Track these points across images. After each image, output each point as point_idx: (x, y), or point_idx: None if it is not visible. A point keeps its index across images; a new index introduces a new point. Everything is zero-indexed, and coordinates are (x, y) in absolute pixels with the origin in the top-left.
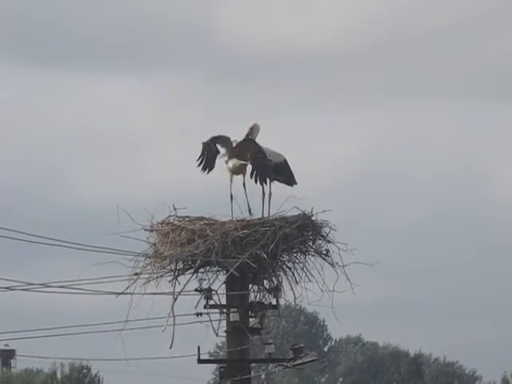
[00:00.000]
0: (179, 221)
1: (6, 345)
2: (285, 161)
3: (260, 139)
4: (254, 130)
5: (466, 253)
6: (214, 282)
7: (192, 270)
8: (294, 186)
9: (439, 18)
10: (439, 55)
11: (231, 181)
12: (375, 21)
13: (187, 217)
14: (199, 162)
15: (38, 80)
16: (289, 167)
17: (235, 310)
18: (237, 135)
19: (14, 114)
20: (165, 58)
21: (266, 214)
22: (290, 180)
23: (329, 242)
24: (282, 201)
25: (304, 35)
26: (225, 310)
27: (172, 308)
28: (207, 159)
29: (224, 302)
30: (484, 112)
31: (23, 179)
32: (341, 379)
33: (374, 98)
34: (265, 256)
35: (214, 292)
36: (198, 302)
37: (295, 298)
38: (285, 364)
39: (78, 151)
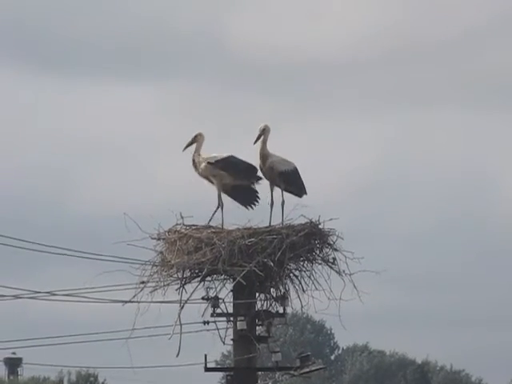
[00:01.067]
0: (186, 229)
1: (13, 353)
2: (295, 169)
3: (269, 147)
4: (265, 132)
5: (472, 260)
6: (220, 290)
7: (199, 279)
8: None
9: (443, 28)
10: (442, 64)
11: (219, 189)
12: (378, 32)
13: (194, 225)
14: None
15: (44, 87)
16: (299, 176)
17: (242, 318)
18: (246, 140)
19: (19, 119)
20: (175, 66)
21: (274, 222)
22: (299, 191)
23: (336, 250)
24: (289, 209)
25: (309, 44)
26: (232, 319)
27: (179, 316)
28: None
29: (231, 310)
30: (488, 120)
31: (29, 187)
32: None
33: (379, 106)
34: (272, 264)
35: (220, 300)
36: (205, 310)
37: (302, 306)
38: (292, 372)
39: (84, 159)
